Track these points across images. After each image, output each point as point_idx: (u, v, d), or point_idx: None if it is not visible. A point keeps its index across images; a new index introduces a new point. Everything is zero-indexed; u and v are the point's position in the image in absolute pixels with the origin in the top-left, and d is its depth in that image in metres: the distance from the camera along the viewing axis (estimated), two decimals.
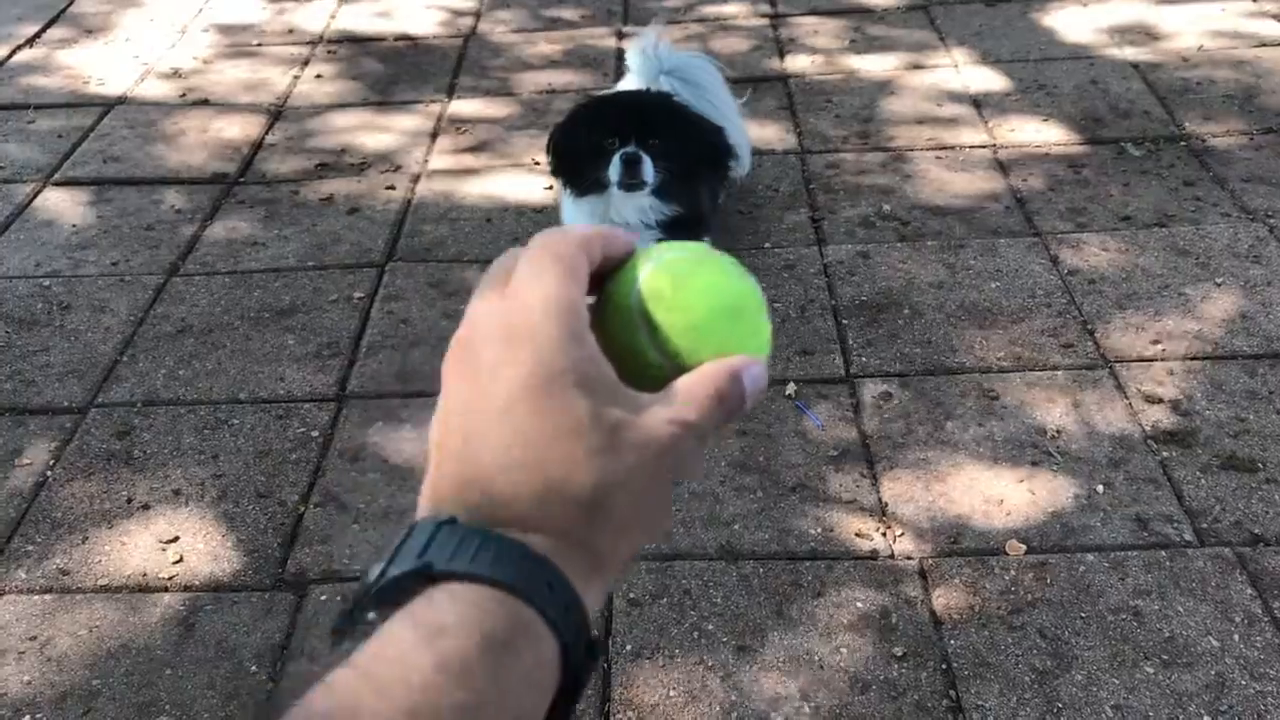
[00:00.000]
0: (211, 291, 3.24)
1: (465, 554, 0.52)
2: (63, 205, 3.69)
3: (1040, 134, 3.79)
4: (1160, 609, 2.21)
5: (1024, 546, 2.36)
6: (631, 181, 2.77)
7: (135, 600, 2.35)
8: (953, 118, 3.92)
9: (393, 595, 0.51)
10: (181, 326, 3.11)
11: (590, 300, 0.59)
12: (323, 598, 2.33)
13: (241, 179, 3.80)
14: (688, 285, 0.61)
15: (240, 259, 3.38)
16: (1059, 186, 3.52)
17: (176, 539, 2.48)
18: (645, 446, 0.54)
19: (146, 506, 2.56)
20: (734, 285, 0.63)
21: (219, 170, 3.83)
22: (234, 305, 3.18)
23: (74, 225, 3.58)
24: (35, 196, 3.73)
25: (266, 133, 4.06)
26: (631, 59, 3.44)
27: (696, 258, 0.63)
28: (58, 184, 3.80)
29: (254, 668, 2.20)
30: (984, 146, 3.75)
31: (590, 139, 2.84)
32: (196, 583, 2.38)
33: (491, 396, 0.54)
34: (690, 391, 0.57)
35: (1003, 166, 3.64)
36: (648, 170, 2.77)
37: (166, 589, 2.37)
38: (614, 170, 2.77)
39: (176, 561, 2.43)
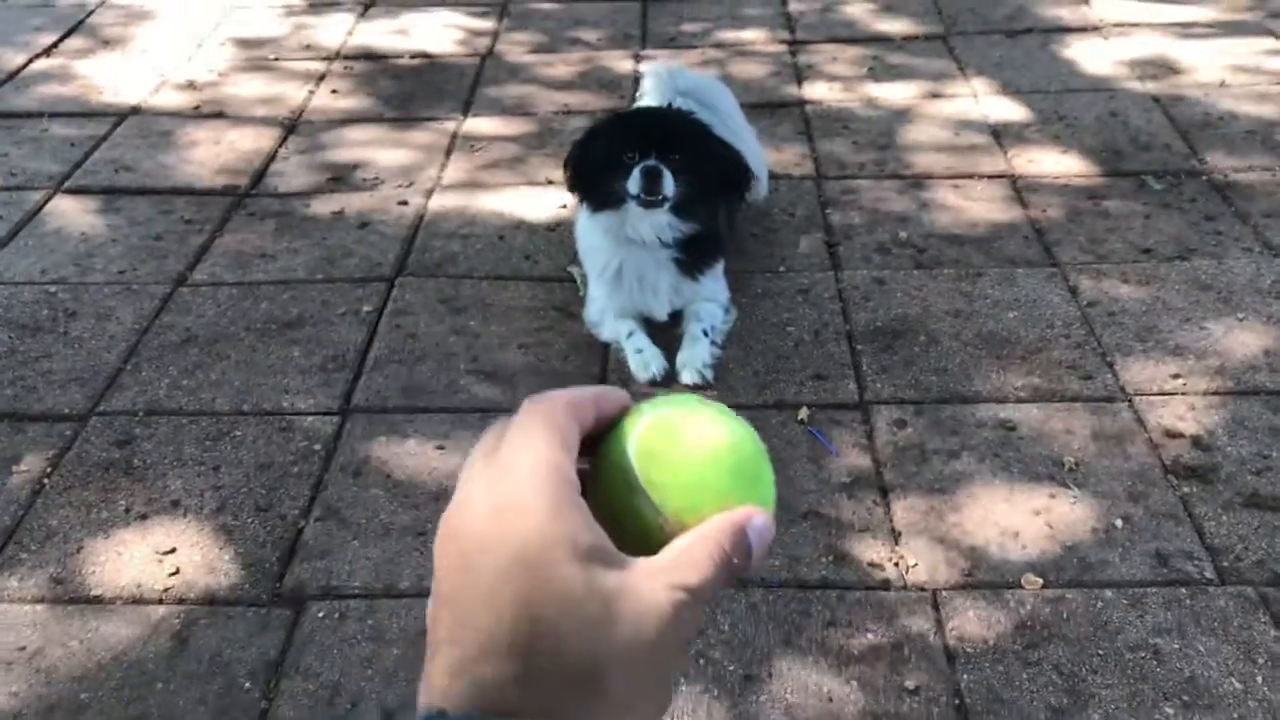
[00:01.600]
0: (218, 302, 3.21)
1: None
2: (72, 213, 3.67)
3: (1060, 165, 3.75)
4: (1180, 648, 2.15)
5: (1040, 580, 2.30)
6: (651, 197, 2.71)
7: (129, 612, 2.30)
8: (971, 146, 3.88)
9: None
10: (186, 336, 3.07)
11: (585, 464, 0.58)
12: (320, 614, 2.27)
13: (253, 191, 3.77)
14: (683, 440, 0.59)
15: (248, 270, 3.34)
16: (1078, 218, 3.47)
17: (173, 551, 2.43)
18: (644, 616, 0.51)
19: (144, 517, 2.51)
20: (731, 435, 0.60)
21: (230, 182, 3.80)
22: (240, 316, 3.14)
23: (83, 233, 3.55)
24: (45, 204, 3.71)
25: (280, 146, 4.04)
26: (646, 80, 3.42)
27: (690, 409, 0.61)
28: (68, 192, 3.78)
29: (247, 684, 2.14)
30: (1003, 176, 3.71)
31: (610, 152, 2.78)
32: (192, 595, 2.33)
33: (478, 579, 0.52)
34: (691, 553, 0.54)
35: (1021, 196, 3.60)
36: (668, 185, 2.70)
37: (161, 601, 2.32)
38: (634, 183, 2.70)
39: (173, 574, 2.37)
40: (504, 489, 0.53)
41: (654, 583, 0.52)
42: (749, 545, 0.55)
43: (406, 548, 2.38)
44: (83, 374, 2.94)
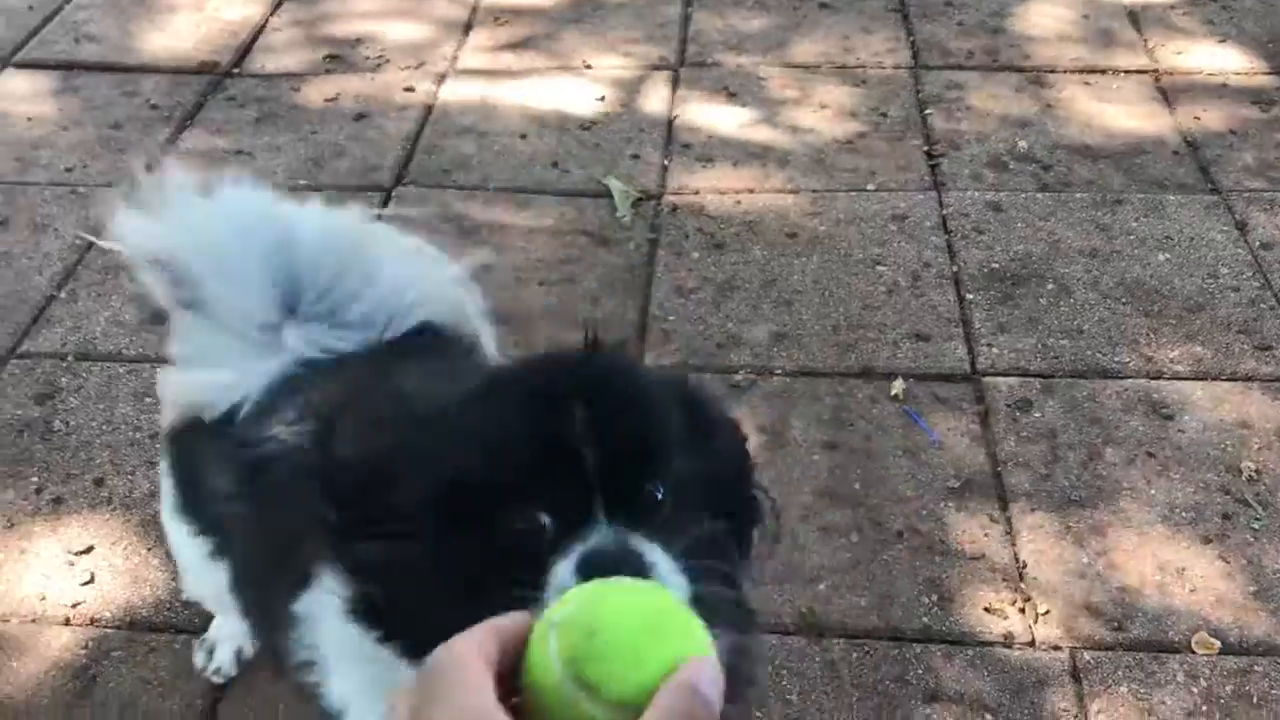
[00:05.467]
0: None
1: None
2: (20, 92, 3.08)
3: (1215, 59, 3.04)
4: None
5: (1217, 643, 1.72)
6: None
7: (26, 634, 1.79)
8: (1105, 33, 3.17)
9: None
10: None
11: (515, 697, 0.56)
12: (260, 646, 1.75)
13: (234, 70, 3.16)
14: (599, 630, 0.60)
15: (219, 173, 2.75)
16: (1243, 129, 2.79)
17: (90, 549, 1.91)
18: None
19: (58, 501, 1.99)
20: (641, 603, 0.63)
21: (209, 59, 3.18)
22: None
23: (29, 118, 2.97)
24: None
25: (272, 14, 3.40)
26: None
27: (590, 600, 0.63)
28: (19, 65, 3.19)
29: None
30: (1144, 72, 3.01)
31: (476, 506, 0.86)
32: (107, 614, 1.81)
33: None
34: None
35: (1168, 98, 2.91)
36: (667, 575, 0.83)
37: (68, 621, 1.81)
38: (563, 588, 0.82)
39: (86, 582, 1.86)
40: None
41: None
42: (706, 699, 0.55)
43: None
44: (6, 301, 2.40)
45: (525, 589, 0.78)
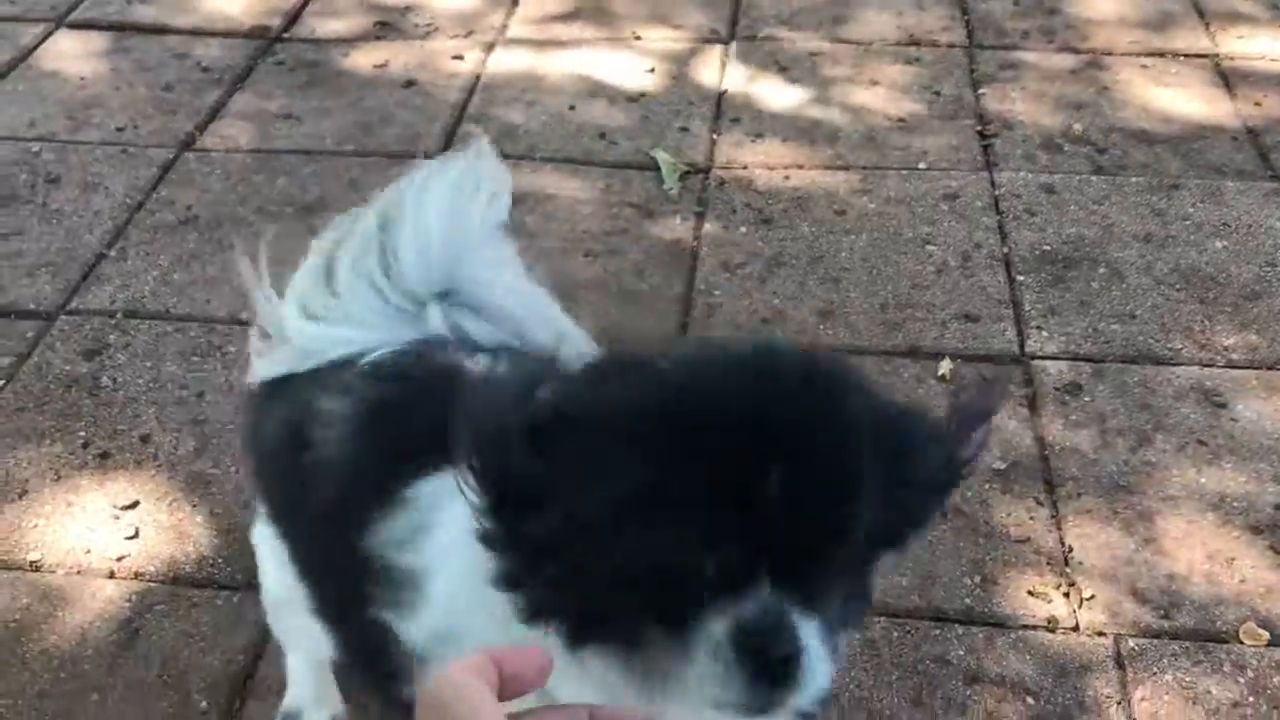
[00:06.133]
0: (228, 173, 2.64)
1: None
2: (73, 53, 3.10)
3: (1279, 45, 2.97)
4: None
5: (1266, 634, 1.69)
6: (767, 699, 0.82)
7: (71, 585, 1.81)
8: (1165, 16, 3.11)
9: None
10: (185, 217, 2.52)
11: None
12: None
13: (284, 35, 3.16)
14: None
15: (268, 135, 2.76)
16: None
17: (135, 505, 1.92)
18: None
19: (105, 456, 2.01)
20: None
21: (260, 23, 3.19)
22: (252, 194, 2.58)
23: (82, 78, 2.99)
24: (44, 40, 3.14)
25: None
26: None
27: None
28: (72, 26, 3.21)
29: (204, 704, 1.65)
30: (1204, 56, 2.96)
31: (648, 540, 0.79)
32: (151, 569, 1.83)
33: None
34: None
35: (1228, 84, 2.85)
36: (815, 661, 0.80)
37: (113, 574, 1.82)
38: (718, 665, 0.79)
39: (131, 536, 1.87)
40: None
41: None
42: None
43: None
44: (56, 259, 2.41)
45: (670, 623, 0.78)
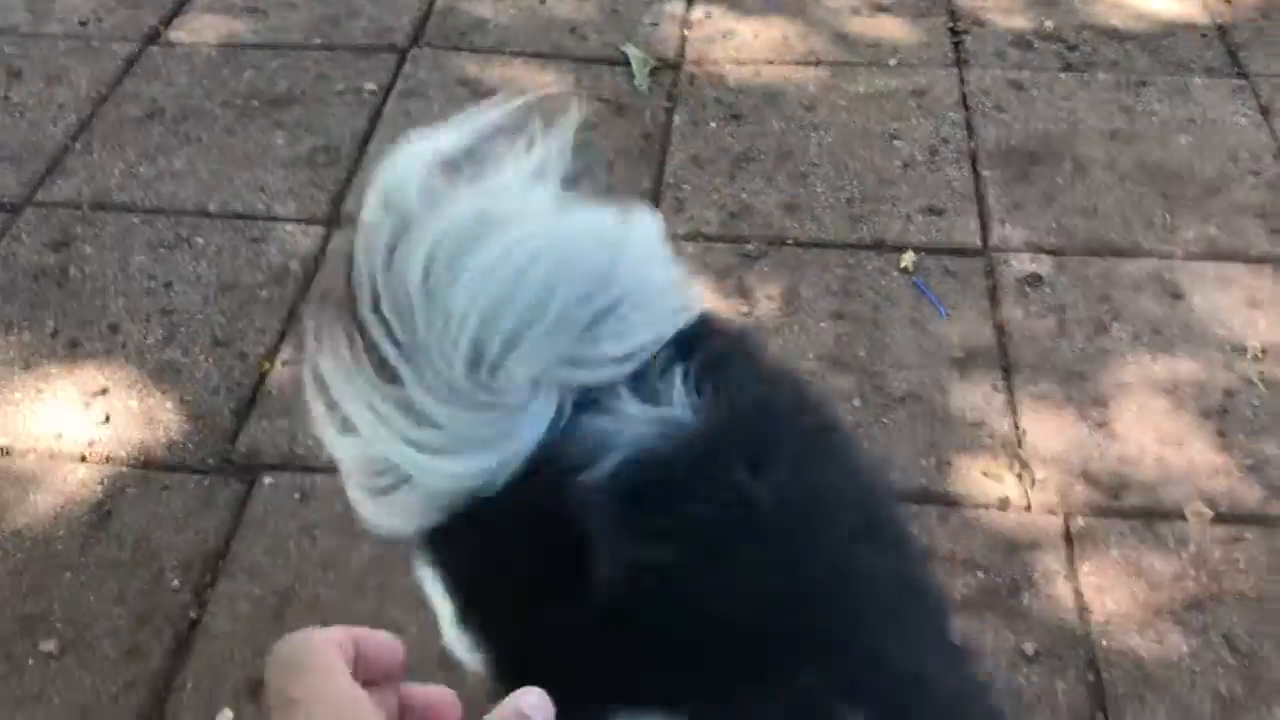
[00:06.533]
0: (194, 68, 2.61)
1: None
2: None
3: None
4: None
5: (1210, 511, 1.74)
6: None
7: (43, 469, 1.83)
8: None
9: None
10: (151, 110, 2.50)
11: None
12: (276, 490, 1.79)
13: None
14: None
15: (235, 29, 2.73)
16: (1274, 14, 2.73)
17: (105, 391, 1.94)
18: None
19: (74, 344, 2.02)
20: None
21: None
22: (218, 88, 2.56)
23: None
24: None
25: None
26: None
27: None
28: None
29: (176, 581, 1.69)
30: None
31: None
32: (122, 454, 1.85)
33: None
34: None
35: None
36: None
37: (84, 458, 1.85)
38: None
39: (101, 422, 1.90)
40: None
41: None
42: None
43: None
44: (21, 152, 2.40)
45: None
